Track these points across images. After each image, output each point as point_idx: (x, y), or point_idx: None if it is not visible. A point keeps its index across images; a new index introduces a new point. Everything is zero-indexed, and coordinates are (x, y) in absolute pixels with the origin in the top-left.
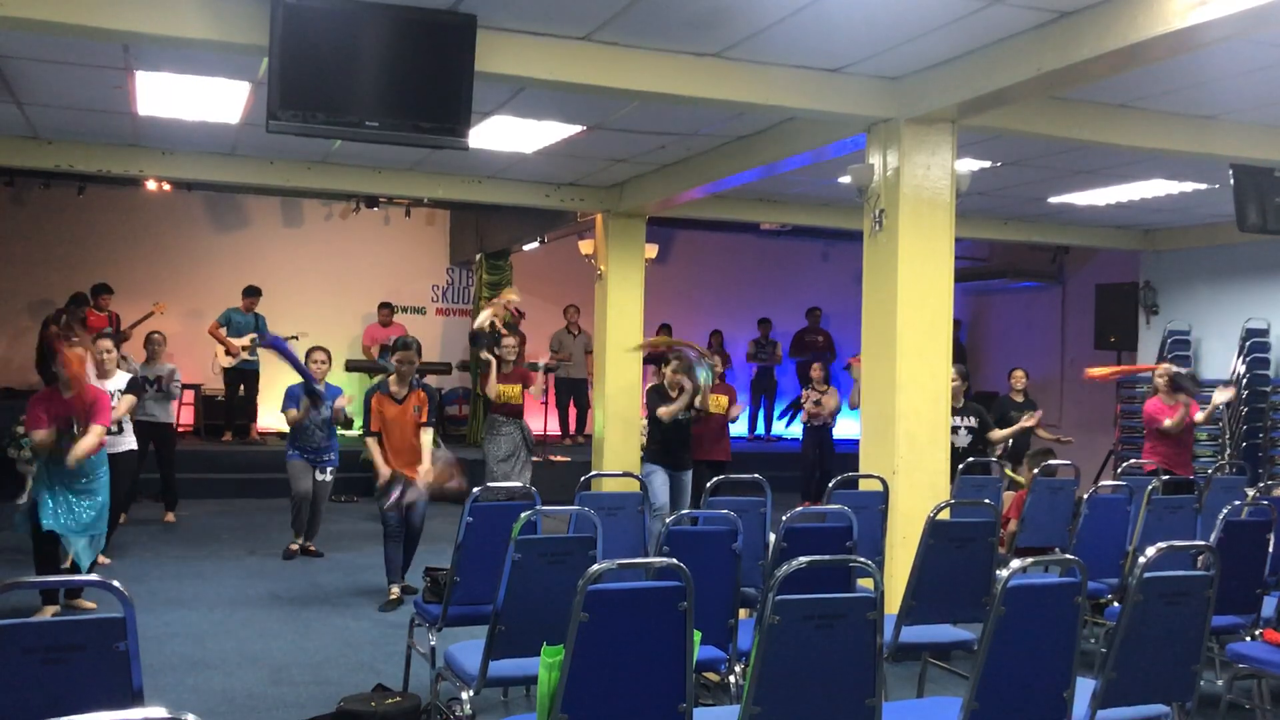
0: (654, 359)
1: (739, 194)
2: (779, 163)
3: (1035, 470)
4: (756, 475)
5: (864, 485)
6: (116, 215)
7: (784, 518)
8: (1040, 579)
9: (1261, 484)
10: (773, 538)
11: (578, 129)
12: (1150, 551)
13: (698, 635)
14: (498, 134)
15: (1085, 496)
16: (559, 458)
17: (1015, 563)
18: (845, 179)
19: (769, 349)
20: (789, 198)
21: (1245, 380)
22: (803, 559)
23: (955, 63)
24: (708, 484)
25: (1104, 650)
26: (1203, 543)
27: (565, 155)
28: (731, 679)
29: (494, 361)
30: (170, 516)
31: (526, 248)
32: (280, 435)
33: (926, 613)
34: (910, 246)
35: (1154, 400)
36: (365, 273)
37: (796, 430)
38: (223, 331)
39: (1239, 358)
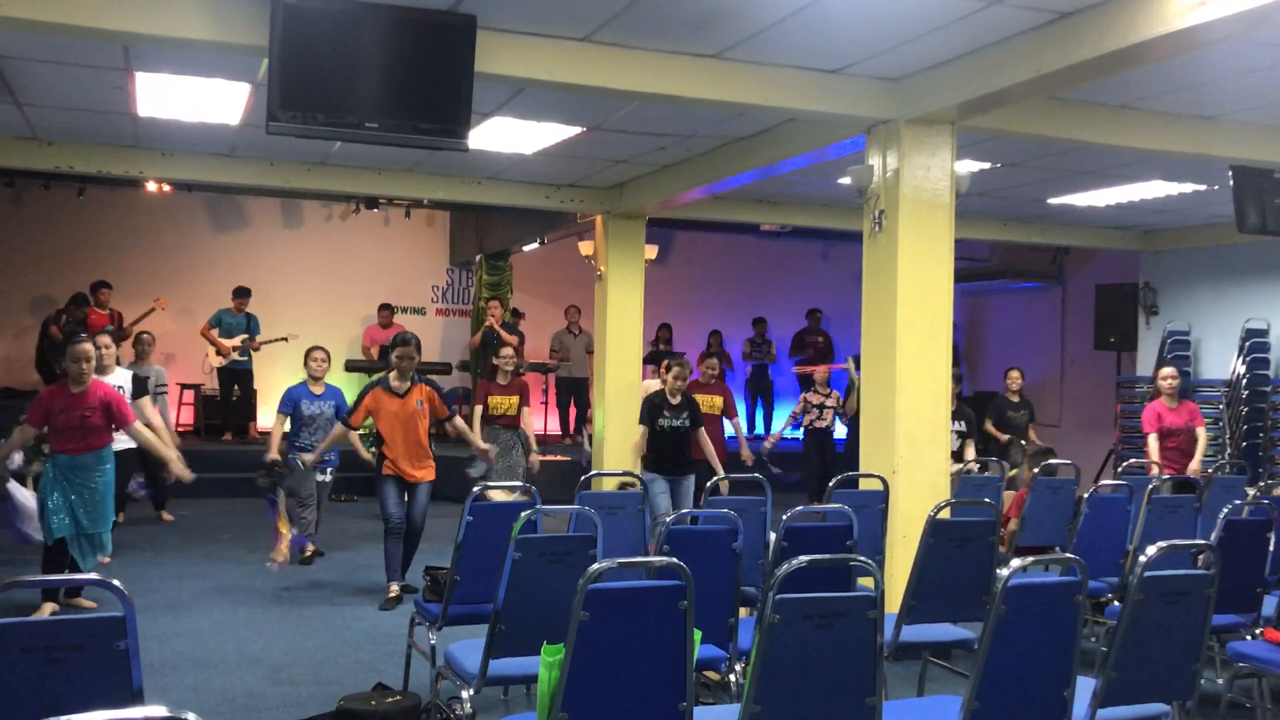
0: (652, 358)
1: (739, 195)
2: (779, 163)
3: (1035, 470)
4: (757, 475)
5: (864, 485)
6: (116, 216)
7: (784, 517)
8: (1040, 578)
9: (1261, 483)
10: (773, 537)
11: (577, 130)
12: (1151, 550)
13: (698, 634)
14: (498, 135)
15: (1085, 496)
16: (559, 457)
17: (1015, 562)
18: (845, 180)
19: (764, 348)
20: (789, 198)
21: (1245, 380)
22: (803, 558)
23: (955, 63)
24: (707, 484)
25: (1104, 649)
26: (1203, 542)
27: (565, 156)
28: (732, 678)
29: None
30: (166, 515)
31: (526, 248)
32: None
33: (927, 612)
34: (910, 247)
35: (1157, 403)
36: (365, 274)
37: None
38: (214, 333)
39: (1239, 358)
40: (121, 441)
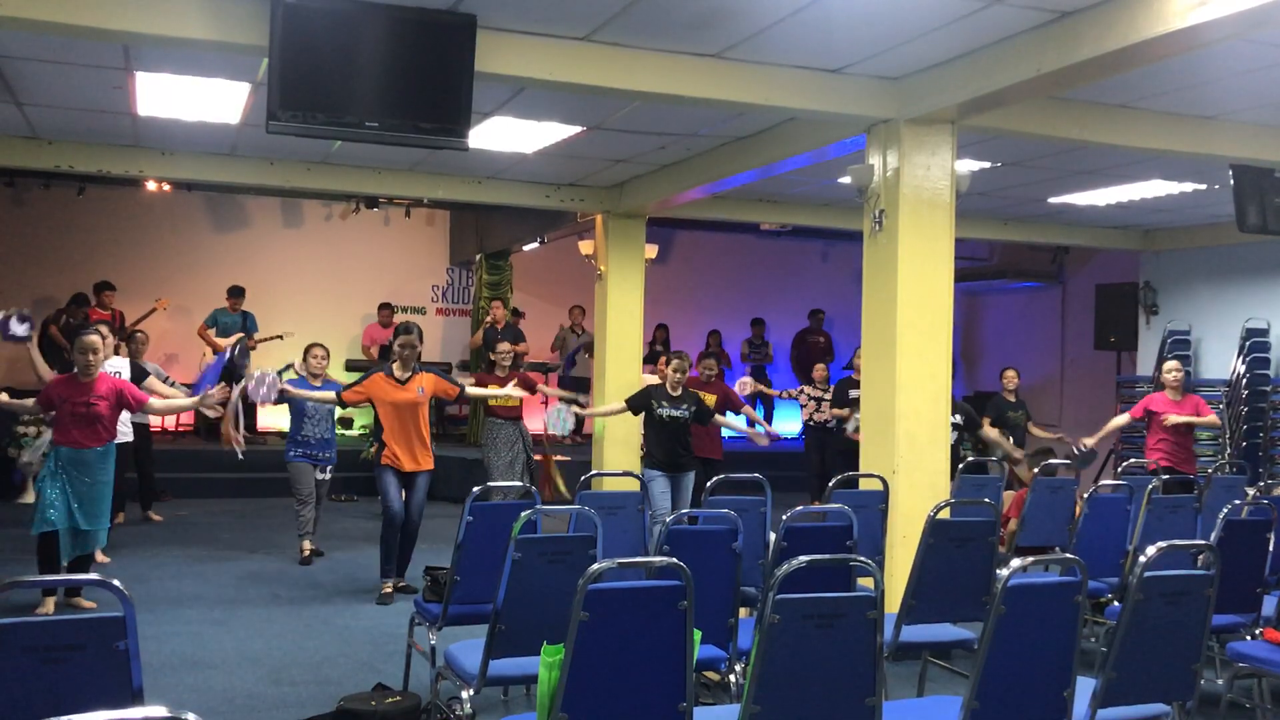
0: (650, 359)
1: (739, 194)
2: (779, 163)
3: (1035, 470)
4: (757, 475)
5: (864, 485)
6: (116, 216)
7: (784, 517)
8: (1040, 578)
9: (1261, 483)
10: (773, 537)
11: (578, 130)
12: (1150, 551)
13: (698, 634)
14: (498, 134)
15: (1085, 496)
16: (558, 457)
17: (1015, 562)
18: (845, 179)
19: (762, 349)
20: (789, 198)
21: (1245, 380)
22: (803, 558)
23: (955, 63)
24: (707, 484)
25: (1104, 649)
26: (1203, 542)
27: (565, 156)
28: (731, 678)
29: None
30: (154, 515)
31: (526, 248)
32: (280, 435)
33: (927, 612)
34: (910, 247)
35: (1159, 395)
36: (365, 273)
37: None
38: (211, 333)
39: (1239, 358)
40: (121, 434)
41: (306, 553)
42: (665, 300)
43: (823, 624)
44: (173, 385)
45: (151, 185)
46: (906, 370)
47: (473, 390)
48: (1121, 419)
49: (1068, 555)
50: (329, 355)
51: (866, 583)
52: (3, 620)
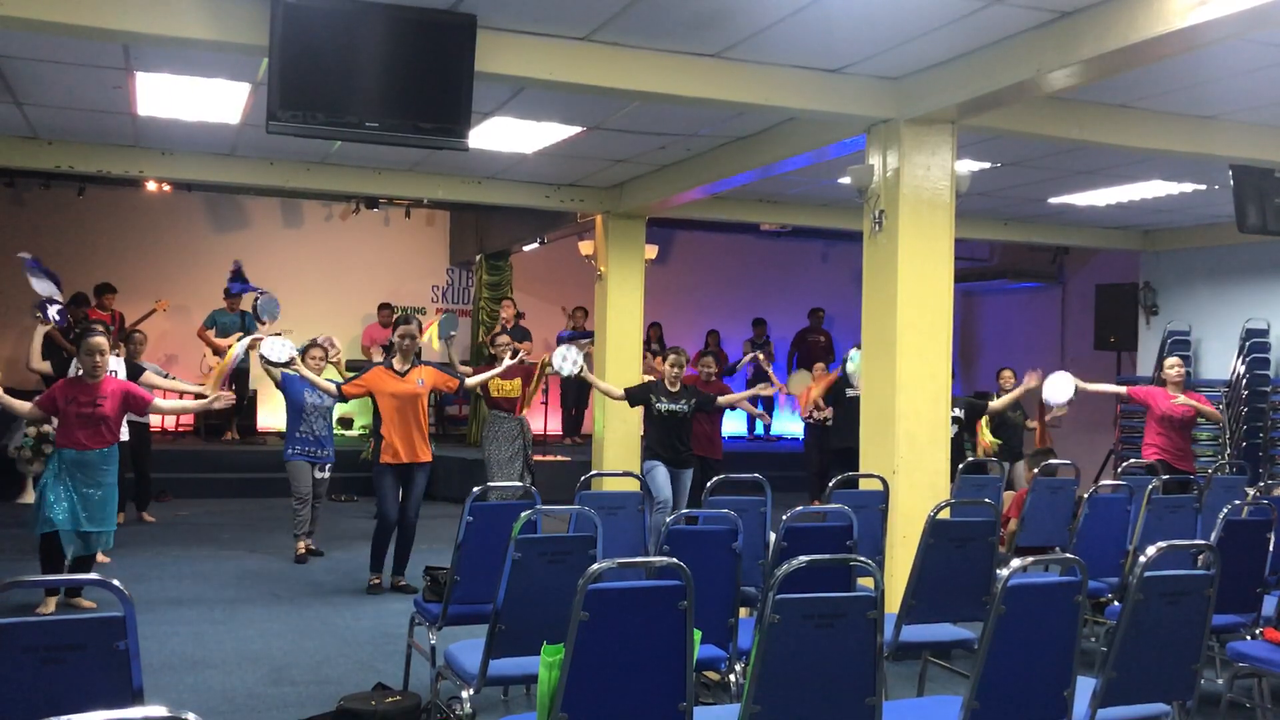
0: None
1: (739, 194)
2: (779, 163)
3: (1035, 470)
4: (757, 475)
5: (864, 485)
6: (116, 216)
7: (784, 517)
8: (1040, 578)
9: (1261, 483)
10: (773, 537)
11: (577, 130)
12: (1151, 550)
13: (698, 634)
14: (498, 135)
15: (1085, 496)
16: (559, 457)
17: (1015, 562)
18: (845, 179)
19: (764, 349)
20: (789, 198)
21: (1245, 380)
22: (803, 558)
23: (955, 63)
24: (708, 484)
25: (1104, 649)
26: (1203, 542)
27: (565, 156)
28: (732, 678)
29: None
30: (148, 516)
31: (526, 248)
32: (280, 435)
33: (927, 612)
34: (910, 247)
35: (1160, 390)
36: (365, 273)
37: (798, 429)
38: (210, 334)
39: (1239, 358)
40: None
41: (302, 550)
42: (665, 301)
43: (823, 624)
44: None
45: (151, 185)
46: (906, 370)
47: (472, 380)
48: (1118, 388)
49: (1068, 555)
50: (328, 355)
51: (866, 583)
52: (3, 620)
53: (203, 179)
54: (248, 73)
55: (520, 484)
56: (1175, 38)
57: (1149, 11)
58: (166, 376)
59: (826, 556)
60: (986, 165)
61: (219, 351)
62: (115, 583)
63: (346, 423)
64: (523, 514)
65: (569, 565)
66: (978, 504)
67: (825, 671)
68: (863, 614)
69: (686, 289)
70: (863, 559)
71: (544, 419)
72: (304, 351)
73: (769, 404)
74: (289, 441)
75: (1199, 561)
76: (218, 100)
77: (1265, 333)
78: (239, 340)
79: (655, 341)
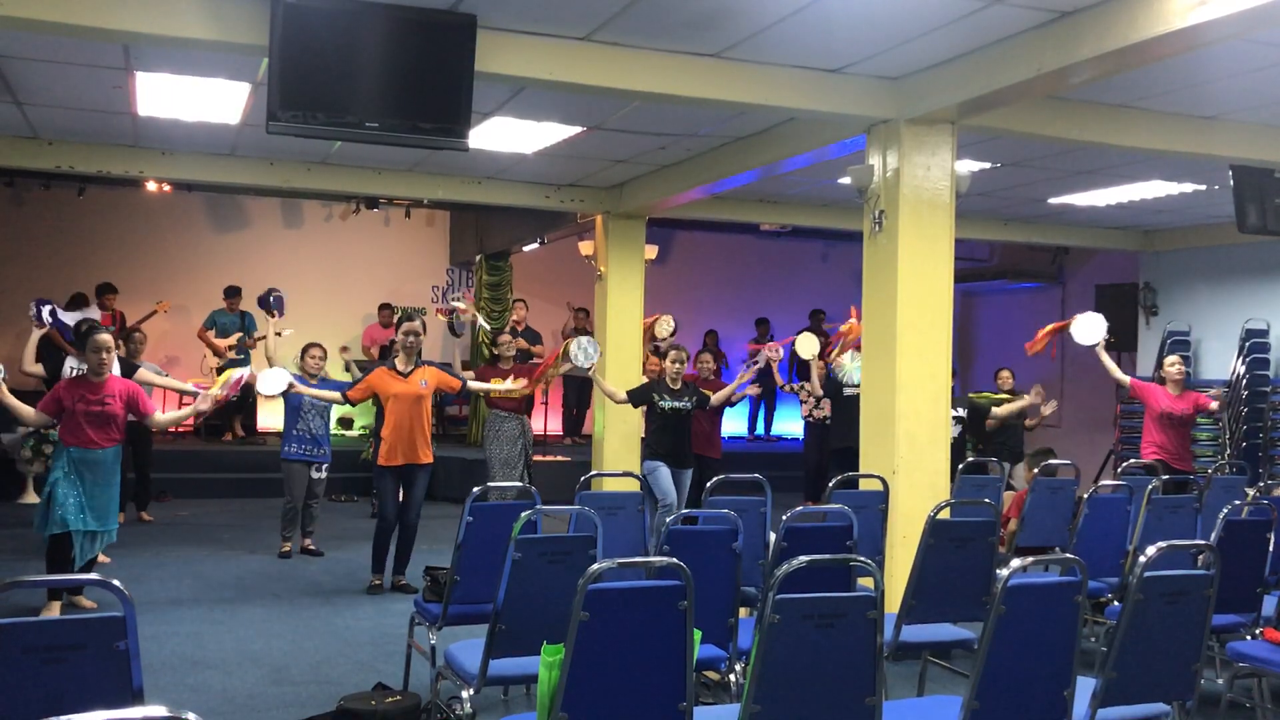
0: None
1: (739, 195)
2: (779, 163)
3: (1035, 470)
4: (757, 475)
5: (864, 485)
6: (116, 216)
7: (784, 517)
8: (1040, 578)
9: (1261, 484)
10: (773, 537)
11: (577, 130)
12: (1151, 551)
13: (698, 634)
14: (498, 135)
15: (1085, 496)
16: (560, 457)
17: (1015, 562)
18: (845, 180)
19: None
20: (789, 198)
21: (1245, 380)
22: (803, 558)
23: (955, 63)
24: (708, 484)
25: (1104, 649)
26: (1203, 542)
27: (565, 156)
28: (732, 678)
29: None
30: (147, 516)
31: (526, 248)
32: (279, 435)
33: (927, 612)
34: (910, 247)
35: (1161, 388)
36: (365, 274)
37: (798, 429)
38: (210, 335)
39: (1239, 358)
40: None
41: (286, 549)
42: (665, 301)
43: (823, 624)
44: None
45: (151, 185)
46: (906, 370)
47: (474, 384)
48: (1123, 376)
49: (1068, 555)
50: (327, 355)
51: (866, 583)
52: (3, 620)
53: (203, 179)
54: (248, 73)
55: (520, 484)
56: (1175, 38)
57: (1149, 11)
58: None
59: (826, 556)
60: (986, 165)
61: (219, 353)
62: (115, 583)
63: (347, 423)
64: (523, 514)
65: (569, 565)
66: (978, 504)
67: (825, 671)
68: (863, 614)
69: (686, 289)
70: (863, 559)
71: (544, 419)
72: (303, 353)
73: (770, 412)
74: (286, 439)
75: (1199, 561)
76: (218, 100)
77: (1265, 333)
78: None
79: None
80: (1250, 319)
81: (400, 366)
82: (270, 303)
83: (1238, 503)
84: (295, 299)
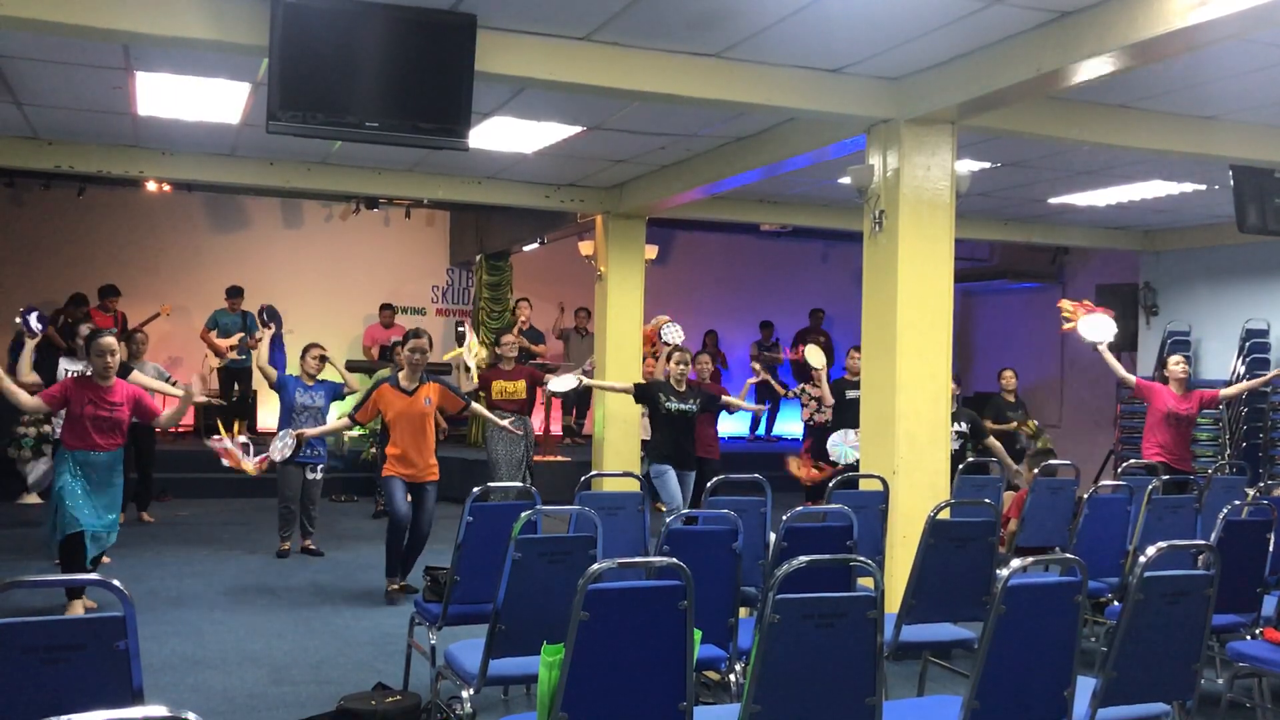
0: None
1: (739, 195)
2: (779, 163)
3: (1035, 470)
4: (757, 475)
5: (864, 485)
6: (116, 216)
7: (784, 517)
8: (1040, 578)
9: (1261, 484)
10: (773, 537)
11: (577, 130)
12: (1151, 551)
13: (698, 634)
14: (498, 135)
15: (1085, 496)
16: (559, 457)
17: (1015, 562)
18: (845, 180)
19: (773, 350)
20: (789, 198)
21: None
22: (803, 558)
23: (955, 63)
24: (708, 484)
25: (1104, 649)
26: (1203, 542)
27: (565, 156)
28: (732, 678)
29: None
30: (147, 516)
31: (526, 248)
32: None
33: (927, 612)
34: (910, 247)
35: (1164, 388)
36: (365, 274)
37: (798, 429)
38: (212, 335)
39: (1239, 358)
40: None
41: (285, 548)
42: (665, 301)
43: (823, 624)
44: (172, 383)
45: (151, 186)
46: (906, 370)
47: (476, 407)
48: (1127, 374)
49: (1068, 555)
50: (326, 357)
51: (866, 583)
52: (3, 620)
53: (203, 179)
54: (248, 73)
55: (520, 484)
56: (1175, 38)
57: (1149, 11)
58: (170, 380)
59: (826, 556)
60: (986, 165)
61: (220, 353)
62: (115, 583)
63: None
64: (523, 514)
65: (569, 565)
66: (978, 504)
67: (825, 671)
68: (863, 614)
69: (686, 289)
70: (863, 559)
71: (544, 419)
72: (303, 353)
73: (773, 414)
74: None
75: (1199, 561)
76: (218, 100)
77: (1265, 333)
78: (240, 340)
79: (710, 348)
80: (1250, 319)
81: (404, 383)
82: (264, 318)
83: (1238, 503)
84: (296, 299)
